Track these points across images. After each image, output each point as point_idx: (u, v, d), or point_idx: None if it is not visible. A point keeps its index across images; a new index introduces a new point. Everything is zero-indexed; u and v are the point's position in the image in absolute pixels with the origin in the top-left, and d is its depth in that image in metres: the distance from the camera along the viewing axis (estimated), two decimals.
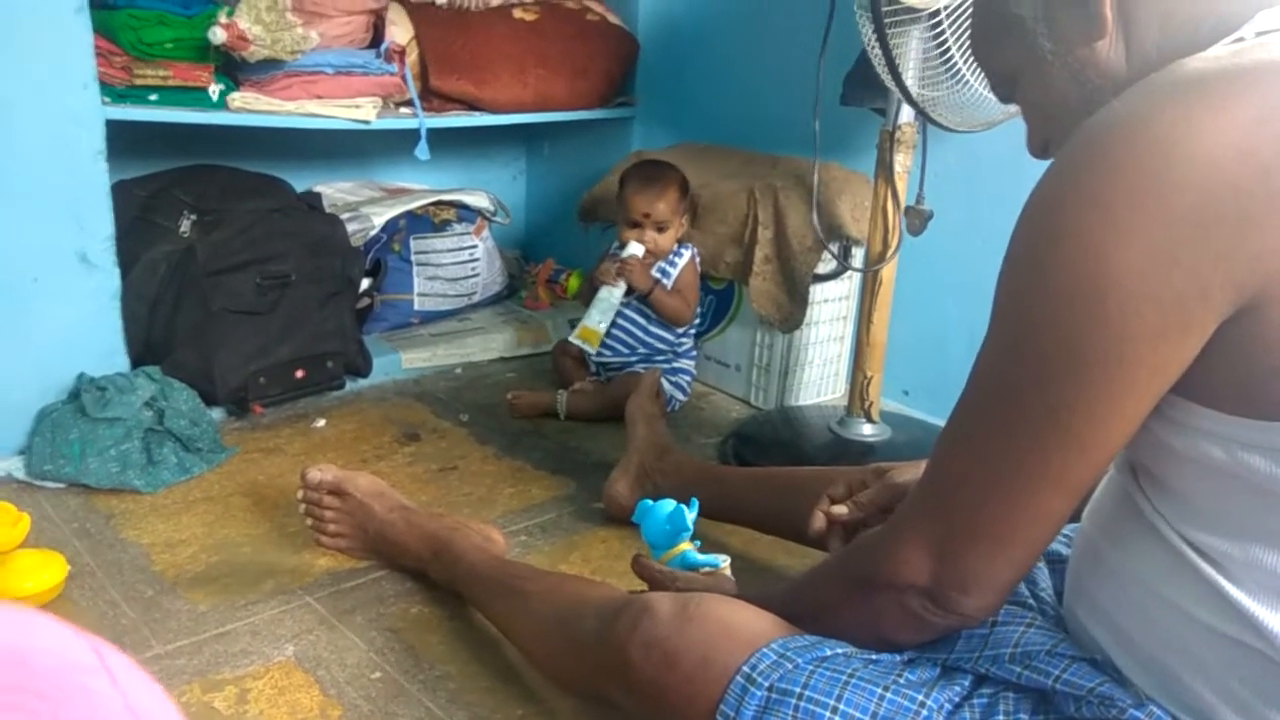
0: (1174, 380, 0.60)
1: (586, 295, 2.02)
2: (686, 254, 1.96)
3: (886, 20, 1.41)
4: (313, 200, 1.93)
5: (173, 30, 1.70)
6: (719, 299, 2.07)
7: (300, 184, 2.09)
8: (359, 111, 1.86)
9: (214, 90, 1.73)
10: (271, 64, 1.80)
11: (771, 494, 1.30)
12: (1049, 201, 0.61)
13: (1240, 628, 0.61)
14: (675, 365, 1.98)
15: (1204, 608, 0.63)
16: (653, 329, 1.96)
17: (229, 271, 1.69)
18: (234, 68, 1.81)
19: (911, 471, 1.06)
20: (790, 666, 0.76)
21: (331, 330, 1.82)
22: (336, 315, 1.82)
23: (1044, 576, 0.85)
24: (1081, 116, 0.65)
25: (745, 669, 0.77)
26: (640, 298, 1.93)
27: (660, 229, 1.91)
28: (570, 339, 1.95)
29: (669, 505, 1.10)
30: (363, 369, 1.92)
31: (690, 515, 1.09)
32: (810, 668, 0.76)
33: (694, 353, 2.04)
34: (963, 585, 0.68)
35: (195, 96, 1.75)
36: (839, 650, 0.78)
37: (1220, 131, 0.55)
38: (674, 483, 1.49)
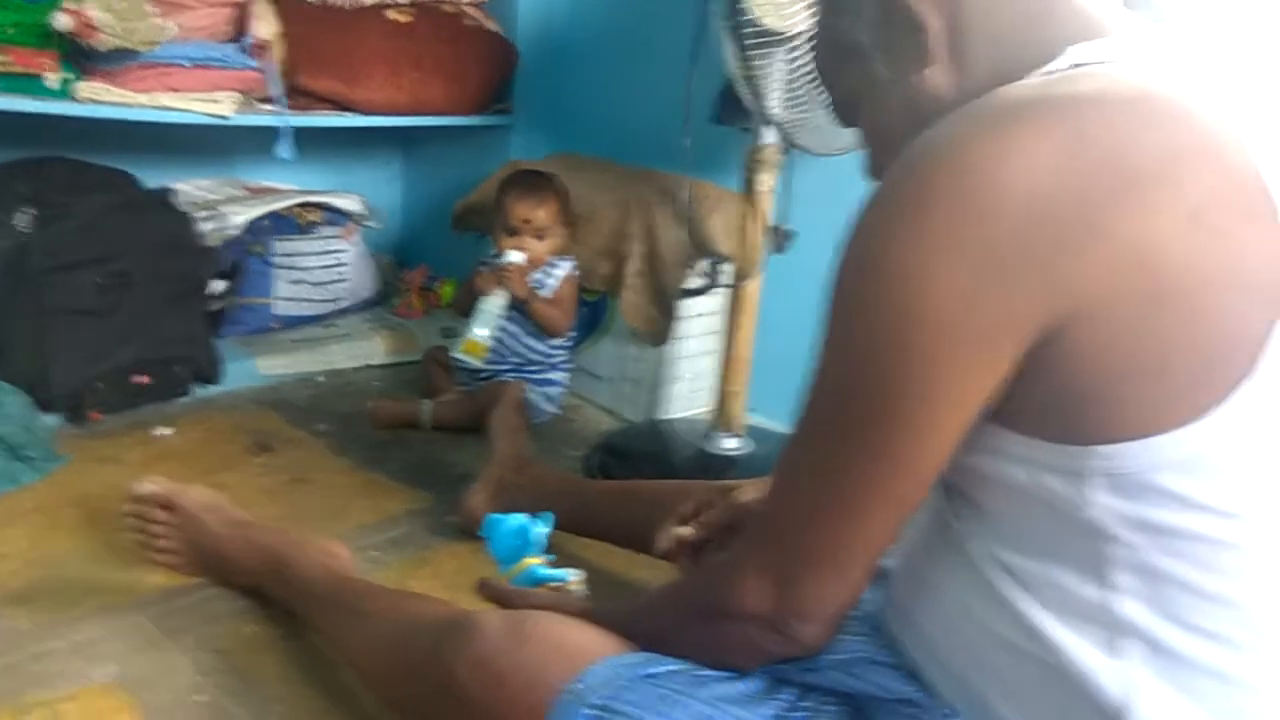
0: (986, 403, 0.61)
1: (462, 303, 1.98)
2: (566, 265, 1.95)
3: (750, 42, 1.43)
4: (164, 197, 1.84)
5: (13, 14, 1.59)
6: (592, 311, 2.07)
7: (156, 180, 1.99)
8: (217, 106, 1.79)
9: (53, 80, 1.64)
10: (124, 54, 1.71)
11: (628, 508, 1.30)
12: (865, 228, 0.62)
13: (1039, 645, 0.63)
14: (547, 377, 1.97)
15: (1006, 624, 0.65)
16: (526, 339, 1.94)
17: (67, 269, 1.60)
18: (83, 56, 1.72)
19: (755, 490, 1.07)
20: (617, 683, 0.75)
21: (179, 334, 1.74)
22: (185, 318, 1.74)
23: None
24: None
25: (574, 686, 0.76)
26: (517, 306, 1.90)
27: (539, 237, 1.89)
28: (454, 354, 1.89)
29: (517, 519, 1.08)
30: (212, 375, 1.83)
31: (540, 530, 1.08)
32: (637, 684, 0.75)
33: (567, 365, 2.02)
34: (802, 613, 0.68)
35: (38, 84, 1.65)
36: (669, 667, 0.77)
37: (1027, 162, 0.55)
38: (533, 496, 1.47)
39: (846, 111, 0.79)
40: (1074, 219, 0.55)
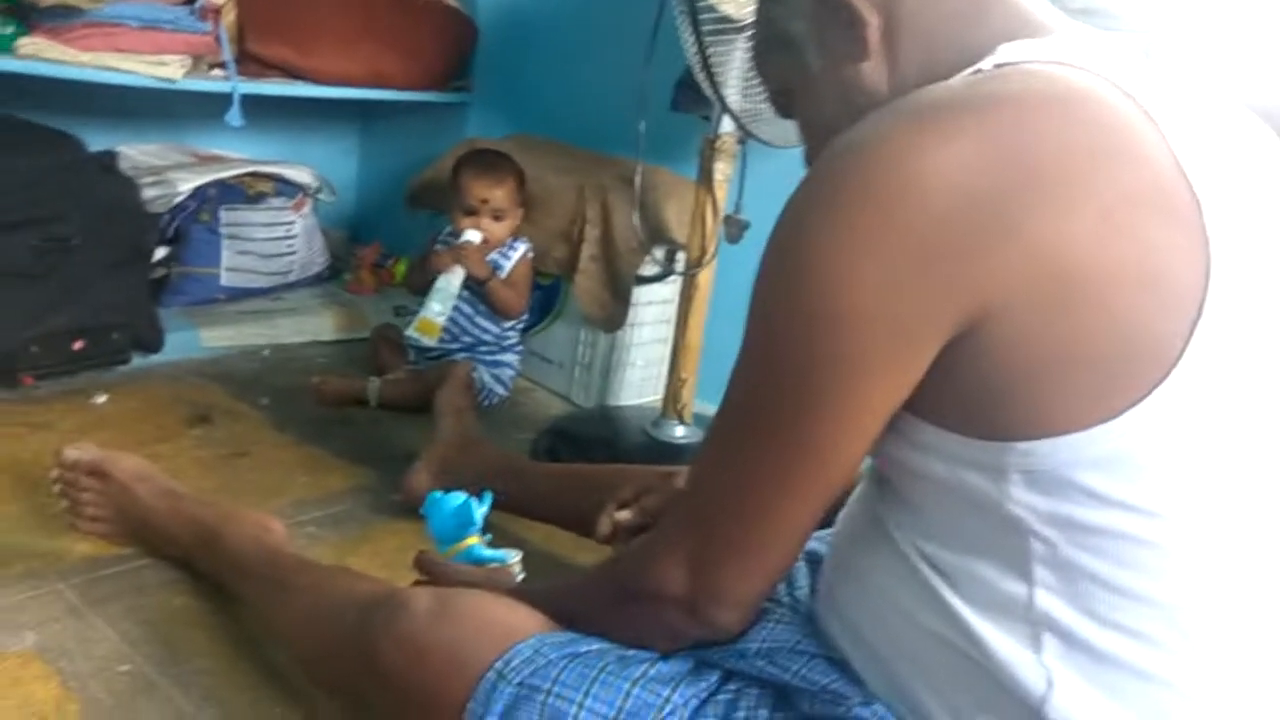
0: (905, 397, 0.61)
1: (416, 281, 1.96)
2: (521, 248, 1.93)
3: (709, 30, 1.43)
4: (107, 160, 1.79)
5: None
6: (545, 294, 2.06)
7: (100, 143, 1.94)
8: (165, 69, 1.75)
9: None
10: (70, 11, 1.67)
11: (571, 491, 1.30)
12: (790, 219, 0.62)
13: (961, 637, 0.63)
14: (498, 359, 1.95)
15: (931, 616, 0.65)
16: (479, 320, 1.92)
17: (2, 230, 1.55)
18: (26, 12, 1.67)
19: None
20: (542, 662, 0.75)
21: (118, 300, 1.69)
22: (125, 285, 1.70)
23: (802, 575, 0.87)
24: None
25: (498, 665, 0.76)
26: (472, 287, 1.88)
27: (497, 217, 1.88)
28: (408, 333, 1.87)
29: (457, 498, 1.07)
30: (152, 344, 1.79)
31: (480, 509, 1.06)
32: (563, 663, 0.75)
33: (520, 348, 2.01)
34: (717, 598, 0.69)
35: None
36: (594, 646, 0.77)
37: (940, 160, 0.56)
38: (477, 476, 1.46)
39: (782, 102, 0.80)
40: (985, 217, 0.55)
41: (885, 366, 0.59)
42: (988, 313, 0.56)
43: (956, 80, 0.62)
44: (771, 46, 0.76)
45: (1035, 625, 0.60)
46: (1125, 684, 0.59)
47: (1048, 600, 0.60)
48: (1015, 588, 0.61)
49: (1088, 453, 0.57)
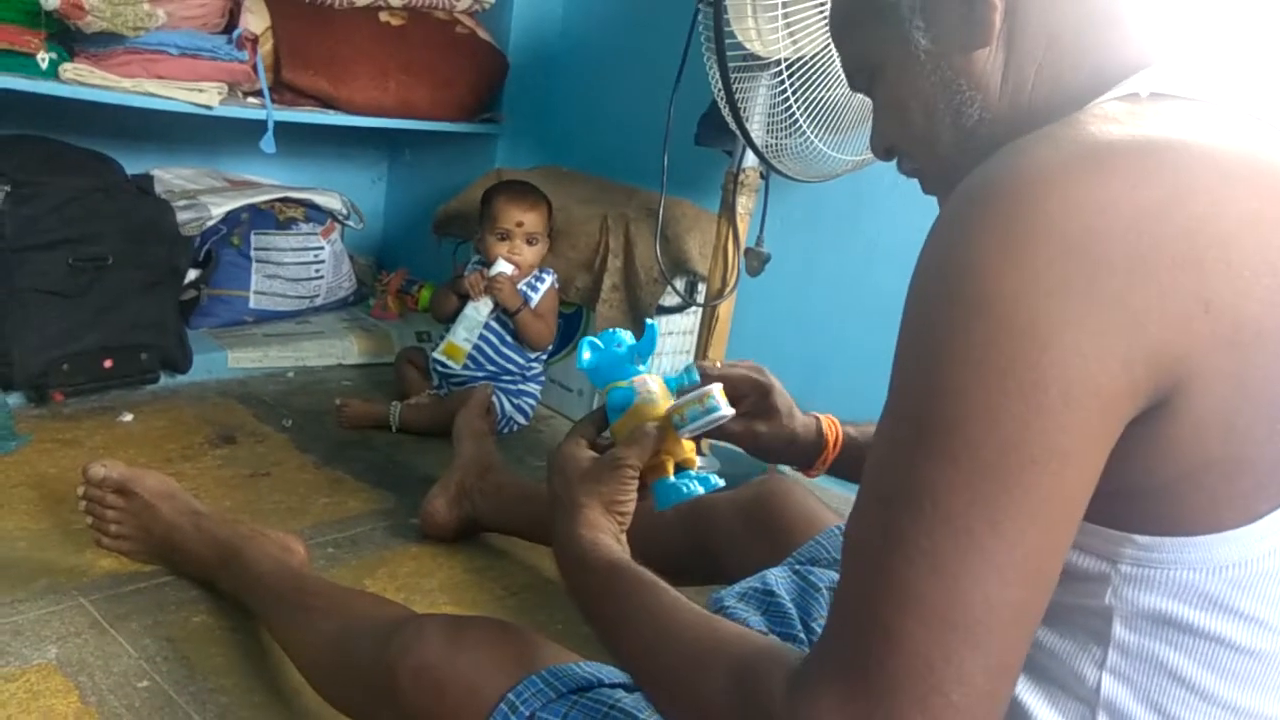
0: (1090, 493, 0.51)
1: (439, 309, 1.99)
2: (549, 279, 1.96)
3: (735, 67, 1.45)
4: (143, 183, 1.83)
5: None
6: (567, 323, 2.07)
7: (136, 166, 1.99)
8: (201, 96, 1.79)
9: (42, 58, 1.63)
10: (112, 38, 1.71)
11: None
12: (965, 265, 0.50)
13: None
14: (521, 388, 1.97)
15: None
16: (505, 350, 1.94)
17: (39, 249, 1.59)
18: (71, 38, 1.72)
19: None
20: (553, 695, 0.76)
21: (149, 321, 1.73)
22: (156, 305, 1.73)
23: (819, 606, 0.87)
24: (943, 127, 0.63)
25: (510, 696, 0.76)
26: (501, 317, 1.91)
27: (530, 241, 1.91)
28: (434, 355, 1.92)
29: (609, 337, 0.89)
30: (180, 364, 1.83)
31: (621, 344, 0.88)
32: (573, 698, 0.75)
33: (541, 377, 2.03)
34: None
35: (22, 62, 1.64)
36: (603, 679, 0.78)
37: (1131, 210, 0.49)
38: (494, 502, 1.47)
39: (861, 77, 0.71)
40: (1178, 284, 0.48)
41: (1093, 444, 0.50)
42: (1173, 392, 0.49)
43: (1113, 108, 0.55)
44: (863, 17, 0.67)
45: (1093, 706, 0.56)
46: None
47: (1114, 686, 0.56)
48: (1084, 667, 0.57)
49: (1216, 555, 0.52)
